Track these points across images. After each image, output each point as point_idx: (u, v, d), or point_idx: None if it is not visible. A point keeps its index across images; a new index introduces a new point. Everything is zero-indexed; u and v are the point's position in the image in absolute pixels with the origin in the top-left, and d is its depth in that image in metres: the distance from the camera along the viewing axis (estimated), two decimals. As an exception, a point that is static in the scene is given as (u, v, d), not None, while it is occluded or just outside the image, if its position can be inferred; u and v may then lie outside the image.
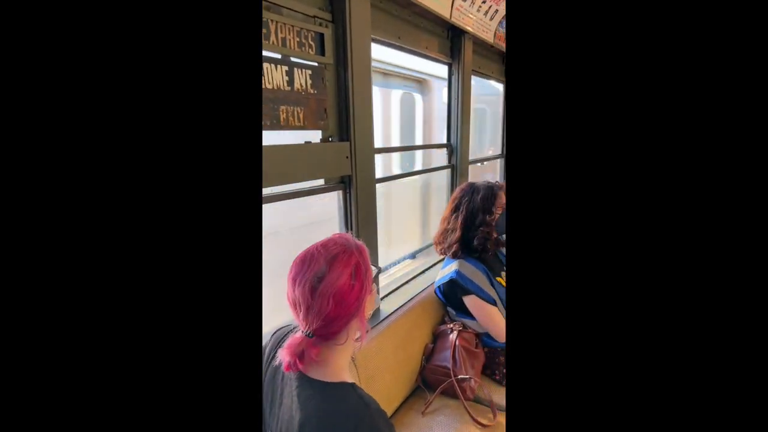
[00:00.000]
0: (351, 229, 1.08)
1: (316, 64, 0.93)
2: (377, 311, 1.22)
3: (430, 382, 1.19)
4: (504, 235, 1.65)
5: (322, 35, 0.94)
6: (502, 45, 1.85)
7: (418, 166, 1.81)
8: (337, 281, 0.56)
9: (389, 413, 1.10)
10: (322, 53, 0.95)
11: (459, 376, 1.12)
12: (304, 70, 0.90)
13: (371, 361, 1.05)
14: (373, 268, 0.65)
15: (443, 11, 1.33)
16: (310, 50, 0.92)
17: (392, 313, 1.22)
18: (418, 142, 1.88)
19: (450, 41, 1.57)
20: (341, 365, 0.61)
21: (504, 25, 1.74)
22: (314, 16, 0.92)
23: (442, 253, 1.31)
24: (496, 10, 1.60)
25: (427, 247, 1.75)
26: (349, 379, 0.60)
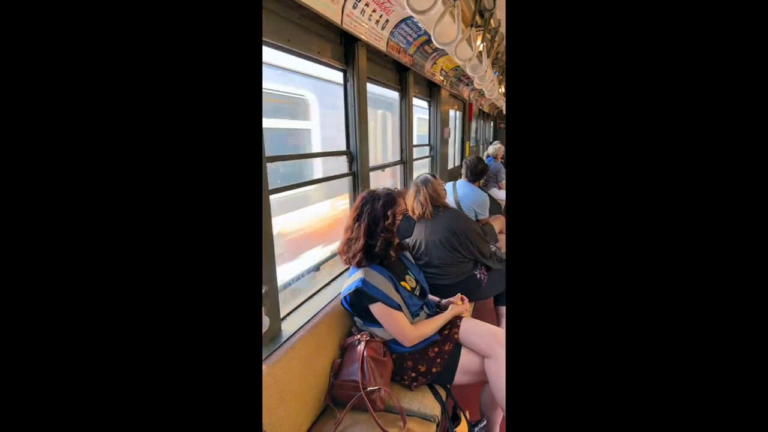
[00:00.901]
0: None
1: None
2: (278, 333, 1.13)
3: (339, 399, 1.15)
4: (407, 240, 1.69)
5: None
6: (395, 54, 1.90)
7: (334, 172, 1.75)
8: None
9: (297, 441, 1.03)
10: None
11: (368, 389, 1.09)
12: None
13: (275, 387, 0.97)
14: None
15: (334, 17, 1.30)
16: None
17: (296, 332, 1.14)
18: (318, 149, 1.82)
19: (344, 47, 1.55)
20: None
21: (395, 36, 1.79)
22: None
23: (346, 263, 1.28)
24: (387, 20, 1.64)
25: (332, 257, 1.70)
26: None
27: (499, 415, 1.31)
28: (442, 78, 2.81)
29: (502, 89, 3.26)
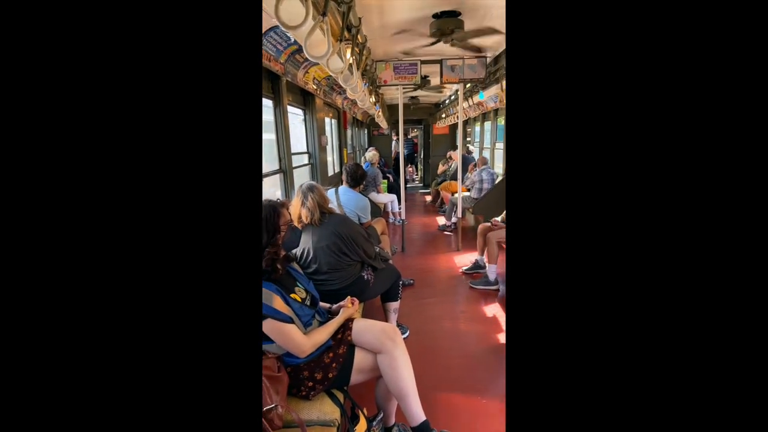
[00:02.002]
0: None
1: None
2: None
3: (233, 428, 1.07)
4: (294, 251, 1.66)
5: None
6: (266, 62, 1.87)
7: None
8: None
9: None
10: None
11: (264, 408, 1.05)
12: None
13: None
14: None
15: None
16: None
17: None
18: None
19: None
20: None
21: (265, 44, 1.76)
22: None
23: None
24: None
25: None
26: None
27: (394, 405, 1.41)
28: (315, 87, 2.85)
29: (373, 98, 3.46)
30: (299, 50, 1.98)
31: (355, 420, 1.25)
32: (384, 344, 1.27)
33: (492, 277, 2.87)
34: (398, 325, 2.16)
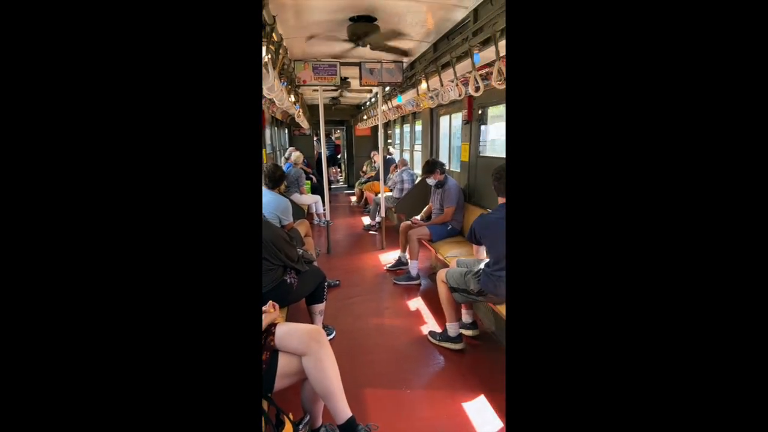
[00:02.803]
0: None
1: None
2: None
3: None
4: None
5: None
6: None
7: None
8: None
9: None
10: None
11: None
12: None
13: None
14: None
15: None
16: None
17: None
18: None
19: None
20: None
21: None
22: None
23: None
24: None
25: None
26: None
27: (320, 406, 1.41)
28: (229, 84, 2.69)
29: (292, 98, 3.39)
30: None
31: (280, 426, 1.22)
32: (309, 346, 1.27)
33: (414, 272, 3.01)
34: (324, 327, 2.16)
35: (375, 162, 5.88)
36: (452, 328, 2.06)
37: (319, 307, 2.08)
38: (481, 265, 1.94)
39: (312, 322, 2.06)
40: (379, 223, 4.31)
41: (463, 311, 2.16)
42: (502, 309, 1.84)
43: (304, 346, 1.27)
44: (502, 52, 1.79)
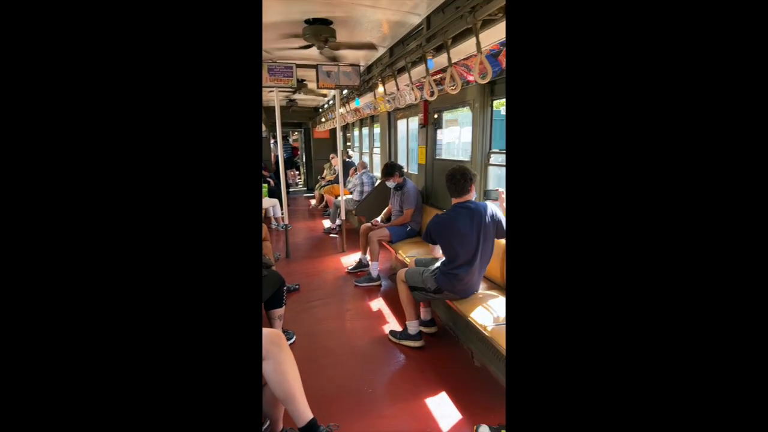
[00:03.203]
0: None
1: None
2: None
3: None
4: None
5: None
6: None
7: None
8: None
9: None
10: None
11: None
12: None
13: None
14: None
15: None
16: None
17: None
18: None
19: None
20: None
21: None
22: None
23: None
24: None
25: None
26: None
27: (281, 411, 1.39)
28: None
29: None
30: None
31: (239, 434, 1.20)
32: (268, 350, 1.25)
33: (374, 273, 3.03)
34: (284, 332, 2.12)
35: (334, 165, 5.87)
36: (412, 326, 2.11)
37: (279, 312, 2.05)
38: (437, 264, 2.01)
39: (270, 326, 2.02)
40: (339, 225, 4.30)
41: (422, 309, 2.22)
42: (459, 305, 1.91)
43: (264, 350, 1.25)
44: (454, 59, 1.87)
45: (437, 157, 3.28)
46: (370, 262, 3.10)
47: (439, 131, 3.28)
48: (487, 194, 2.11)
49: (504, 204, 2.02)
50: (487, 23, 1.54)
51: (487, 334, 1.67)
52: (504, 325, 1.68)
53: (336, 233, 4.63)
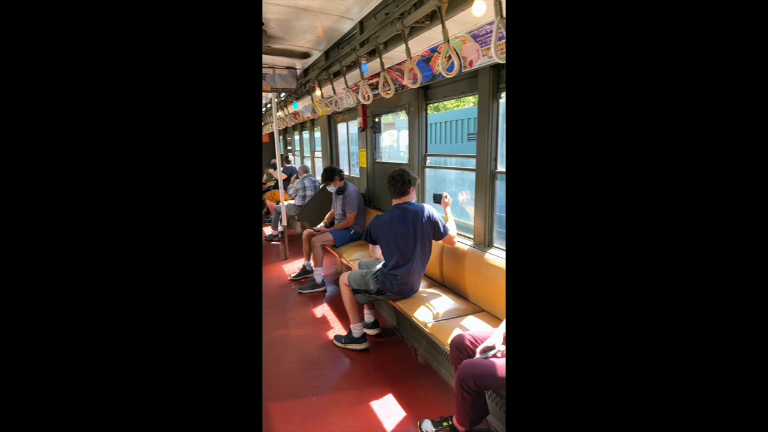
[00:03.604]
0: None
1: None
2: None
3: None
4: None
5: None
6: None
7: None
8: None
9: None
10: None
11: None
12: None
13: None
14: None
15: None
16: None
17: None
18: None
19: None
20: None
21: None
22: None
23: None
24: None
25: None
26: None
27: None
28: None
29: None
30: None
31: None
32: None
33: (319, 279, 2.99)
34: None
35: (275, 176, 5.69)
36: (356, 329, 2.11)
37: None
38: (379, 266, 2.03)
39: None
40: (281, 232, 4.17)
41: (366, 311, 2.23)
42: (401, 305, 1.94)
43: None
44: (387, 64, 1.91)
45: (377, 160, 3.32)
46: (314, 268, 3.05)
47: (378, 135, 3.32)
48: (436, 198, 2.16)
49: (447, 208, 2.09)
50: (416, 30, 1.59)
51: (428, 330, 1.71)
52: (443, 321, 1.74)
53: (278, 240, 4.49)
